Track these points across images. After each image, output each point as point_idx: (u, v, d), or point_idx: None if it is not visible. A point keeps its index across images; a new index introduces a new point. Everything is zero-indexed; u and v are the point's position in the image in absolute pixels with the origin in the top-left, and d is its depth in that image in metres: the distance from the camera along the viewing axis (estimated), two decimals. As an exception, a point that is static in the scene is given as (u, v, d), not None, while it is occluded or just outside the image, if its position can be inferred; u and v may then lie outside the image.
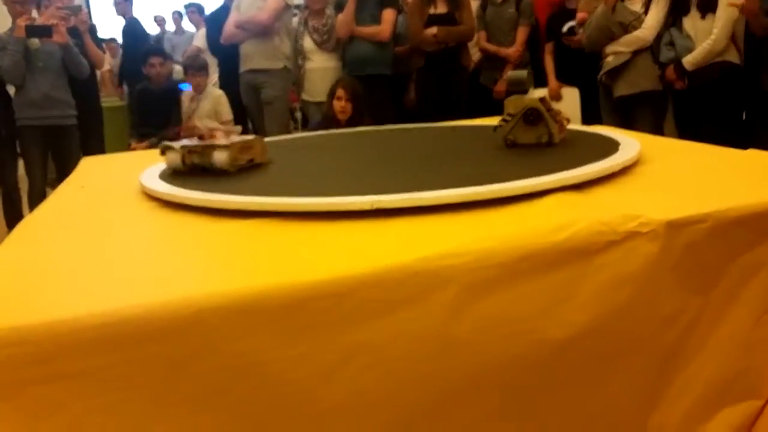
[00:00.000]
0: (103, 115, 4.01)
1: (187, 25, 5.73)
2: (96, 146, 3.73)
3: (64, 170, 3.17)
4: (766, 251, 0.92)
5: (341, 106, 3.08)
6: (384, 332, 0.76)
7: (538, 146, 1.36)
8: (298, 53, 3.75)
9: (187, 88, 4.16)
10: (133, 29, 4.45)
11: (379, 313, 0.76)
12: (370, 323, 0.76)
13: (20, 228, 1.10)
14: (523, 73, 1.54)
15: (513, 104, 1.39)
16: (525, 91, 1.50)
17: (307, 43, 3.73)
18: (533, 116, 1.37)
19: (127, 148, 3.85)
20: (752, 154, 1.28)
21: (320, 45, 3.71)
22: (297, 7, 4.00)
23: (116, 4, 4.46)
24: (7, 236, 1.05)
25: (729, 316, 0.92)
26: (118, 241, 0.96)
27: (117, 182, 1.42)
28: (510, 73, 1.55)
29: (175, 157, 1.32)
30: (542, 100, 1.43)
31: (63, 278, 0.81)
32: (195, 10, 5.45)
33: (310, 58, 3.75)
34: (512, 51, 3.69)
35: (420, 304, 0.77)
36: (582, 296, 0.84)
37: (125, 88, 4.08)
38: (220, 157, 1.28)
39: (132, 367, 0.69)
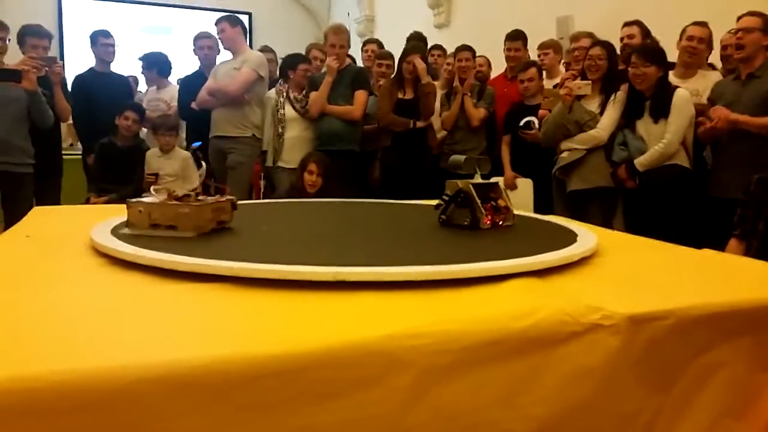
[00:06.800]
0: (63, 167, 3.87)
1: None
2: (51, 197, 3.59)
3: (12, 218, 3.01)
4: (726, 352, 0.91)
5: (312, 180, 3.12)
6: (335, 416, 0.71)
7: (466, 227, 1.39)
8: (279, 122, 3.79)
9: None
10: (98, 81, 4.23)
11: (332, 394, 0.71)
12: (320, 405, 0.70)
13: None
14: (461, 158, 1.60)
15: (450, 186, 1.43)
16: (471, 176, 1.55)
17: (289, 111, 3.78)
18: (462, 198, 1.40)
19: (86, 202, 3.72)
20: (707, 254, 1.30)
21: (303, 114, 3.77)
22: (275, 80, 4.06)
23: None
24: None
25: (687, 417, 0.90)
26: (54, 298, 0.88)
27: (66, 234, 1.34)
28: (452, 157, 1.60)
29: (138, 213, 1.25)
30: (495, 186, 1.45)
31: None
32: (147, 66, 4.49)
33: (290, 126, 3.79)
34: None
35: (376, 387, 0.72)
36: (543, 388, 0.81)
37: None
38: (185, 222, 1.23)
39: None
